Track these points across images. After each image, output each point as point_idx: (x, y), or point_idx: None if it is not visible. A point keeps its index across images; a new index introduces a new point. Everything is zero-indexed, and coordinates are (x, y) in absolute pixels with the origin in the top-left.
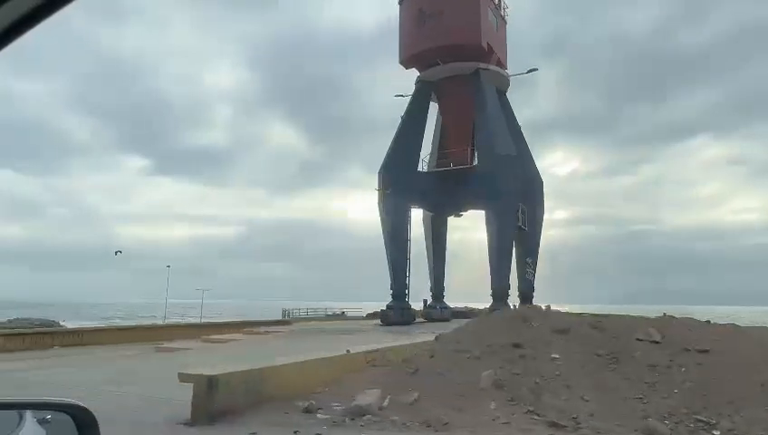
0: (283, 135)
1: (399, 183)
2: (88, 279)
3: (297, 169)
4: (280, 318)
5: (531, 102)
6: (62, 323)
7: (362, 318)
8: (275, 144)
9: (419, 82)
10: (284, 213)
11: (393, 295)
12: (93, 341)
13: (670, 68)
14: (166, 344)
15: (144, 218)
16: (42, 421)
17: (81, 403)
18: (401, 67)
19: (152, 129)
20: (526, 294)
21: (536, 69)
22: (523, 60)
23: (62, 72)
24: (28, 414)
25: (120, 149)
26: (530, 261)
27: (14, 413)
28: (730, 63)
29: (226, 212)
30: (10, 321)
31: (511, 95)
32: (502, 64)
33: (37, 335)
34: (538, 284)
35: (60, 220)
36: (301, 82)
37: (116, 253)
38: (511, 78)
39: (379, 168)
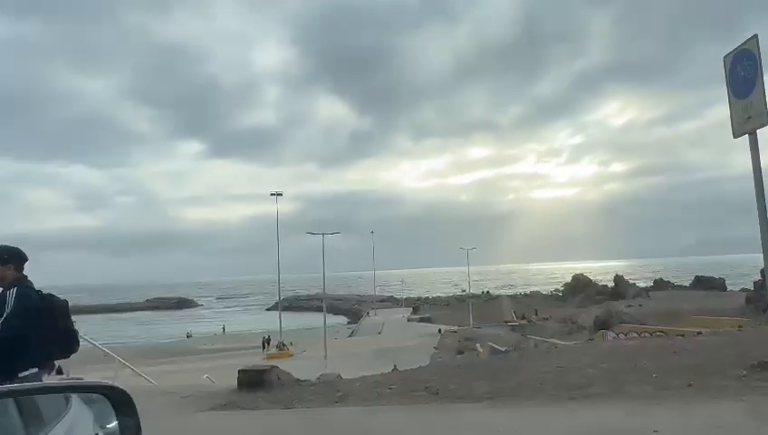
0: (331, 108)
1: None
2: (159, 261)
3: (347, 141)
4: None
5: (582, 53)
6: (196, 301)
7: None
8: (324, 118)
9: None
10: (336, 185)
11: None
12: None
13: (737, 2)
14: None
15: (204, 201)
16: (88, 402)
17: (117, 384)
18: (448, 31)
19: (206, 113)
20: None
21: None
22: (572, 8)
23: (118, 67)
24: (74, 396)
25: (177, 136)
26: None
27: (61, 396)
28: None
29: (281, 189)
30: (148, 301)
31: (558, 47)
32: None
33: None
34: (594, 241)
35: (126, 208)
36: (345, 54)
37: None
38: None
39: (428, 134)
